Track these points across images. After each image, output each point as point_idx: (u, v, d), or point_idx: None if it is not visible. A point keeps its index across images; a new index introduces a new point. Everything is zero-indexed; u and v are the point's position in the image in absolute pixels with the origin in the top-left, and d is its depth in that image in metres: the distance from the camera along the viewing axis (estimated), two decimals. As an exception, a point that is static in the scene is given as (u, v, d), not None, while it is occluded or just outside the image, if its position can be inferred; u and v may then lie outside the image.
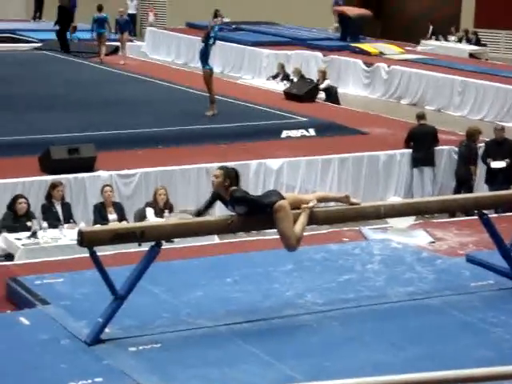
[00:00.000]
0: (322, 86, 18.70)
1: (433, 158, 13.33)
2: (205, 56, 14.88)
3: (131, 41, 22.07)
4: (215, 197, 6.43)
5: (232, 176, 6.27)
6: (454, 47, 25.98)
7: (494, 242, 7.14)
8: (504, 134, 12.84)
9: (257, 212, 6.25)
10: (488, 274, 7.42)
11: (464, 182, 12.81)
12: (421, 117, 13.70)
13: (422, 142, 13.28)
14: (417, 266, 7.64)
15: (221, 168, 6.37)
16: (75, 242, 6.04)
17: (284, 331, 6.24)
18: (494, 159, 12.57)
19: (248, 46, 23.95)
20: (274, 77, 20.62)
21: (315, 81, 19.03)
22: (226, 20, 27.29)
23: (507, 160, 12.49)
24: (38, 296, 6.70)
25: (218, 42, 23.44)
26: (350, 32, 24.37)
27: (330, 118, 15.44)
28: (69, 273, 7.32)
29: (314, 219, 6.57)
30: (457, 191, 12.61)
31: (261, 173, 12.45)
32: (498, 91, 19.32)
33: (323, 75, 19.16)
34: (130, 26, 21.50)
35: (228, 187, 6.23)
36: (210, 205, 6.49)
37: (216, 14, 26.49)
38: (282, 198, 6.36)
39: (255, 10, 28.82)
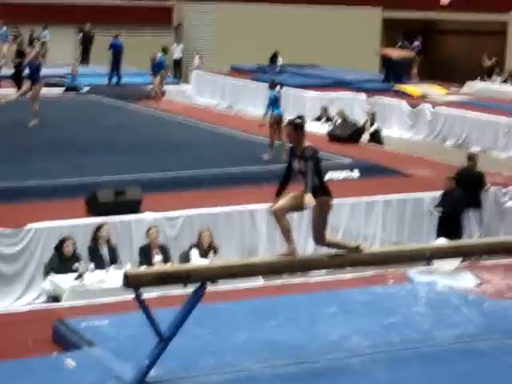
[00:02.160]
0: (370, 129, 18.73)
1: (479, 201, 13.22)
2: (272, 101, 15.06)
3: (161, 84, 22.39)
4: (289, 168, 6.53)
5: (300, 125, 6.43)
6: (499, 89, 25.87)
7: (542, 285, 7.05)
8: None
9: (317, 178, 6.32)
10: (536, 317, 7.31)
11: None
12: (469, 158, 13.62)
13: (467, 185, 13.19)
14: (463, 308, 7.55)
15: (288, 124, 6.50)
16: (121, 284, 6.09)
17: (329, 374, 6.19)
18: None
19: (292, 88, 24.11)
20: (318, 119, 20.70)
21: (361, 123, 19.07)
22: (280, 62, 27.74)
23: None
24: (84, 338, 6.75)
25: (262, 84, 23.77)
26: (394, 74, 24.42)
27: (373, 159, 15.42)
28: (114, 315, 7.36)
29: (359, 261, 6.55)
30: None
31: (304, 214, 12.41)
32: (543, 132, 19.18)
33: (372, 118, 19.19)
34: (162, 68, 21.81)
35: (301, 138, 6.40)
36: (287, 179, 6.57)
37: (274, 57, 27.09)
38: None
39: (299, 53, 29.04)
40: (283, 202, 6.49)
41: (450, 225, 12.07)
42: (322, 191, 6.41)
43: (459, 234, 11.83)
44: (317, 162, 6.40)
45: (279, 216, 6.48)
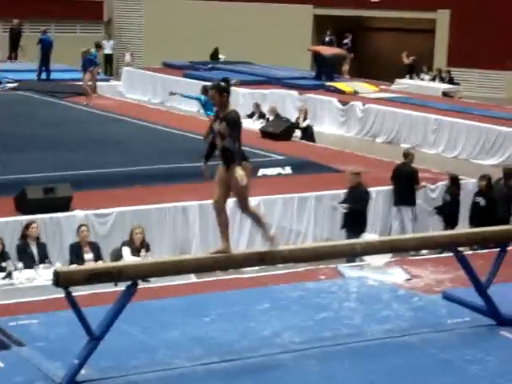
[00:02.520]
0: (303, 125, 18.86)
1: (412, 198, 13.38)
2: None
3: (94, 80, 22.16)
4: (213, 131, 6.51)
5: (224, 88, 6.39)
6: (428, 86, 26.28)
7: (470, 279, 7.18)
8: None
9: (236, 145, 6.28)
10: (464, 311, 7.45)
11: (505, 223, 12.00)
12: (405, 155, 13.79)
13: (401, 181, 13.37)
14: (393, 303, 7.65)
15: (212, 87, 6.44)
16: (51, 283, 6.00)
17: (261, 370, 6.21)
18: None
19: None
20: (250, 115, 20.73)
21: (293, 119, 19.17)
22: (222, 58, 27.76)
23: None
24: (13, 338, 6.62)
25: (193, 81, 23.75)
26: (325, 71, 24.60)
27: (306, 156, 15.52)
28: (44, 314, 7.26)
29: (290, 257, 6.58)
30: None
31: (237, 210, 12.41)
32: (471, 129, 19.55)
33: (304, 114, 19.32)
34: (94, 64, 21.56)
35: (225, 101, 6.38)
36: (212, 147, 6.53)
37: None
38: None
39: (230, 50, 29.05)
40: (218, 191, 6.46)
41: (355, 220, 11.89)
42: (239, 157, 6.35)
43: (363, 231, 11.68)
44: (238, 127, 6.36)
45: (220, 209, 6.47)
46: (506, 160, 18.84)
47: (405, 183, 13.37)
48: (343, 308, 7.48)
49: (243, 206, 6.57)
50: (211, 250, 6.53)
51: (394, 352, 6.64)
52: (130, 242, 10.38)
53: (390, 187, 13.58)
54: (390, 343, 6.78)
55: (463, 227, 12.78)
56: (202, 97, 15.31)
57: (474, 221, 12.62)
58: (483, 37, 27.86)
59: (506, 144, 18.99)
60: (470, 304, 7.45)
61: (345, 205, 12.09)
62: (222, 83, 6.43)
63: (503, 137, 19.05)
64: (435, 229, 13.06)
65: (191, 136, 16.45)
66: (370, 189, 13.36)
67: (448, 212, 13.11)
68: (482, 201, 12.69)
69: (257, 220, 6.70)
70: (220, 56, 28.22)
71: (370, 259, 9.30)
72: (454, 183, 13.33)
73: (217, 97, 6.41)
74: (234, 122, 6.36)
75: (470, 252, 9.51)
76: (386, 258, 9.28)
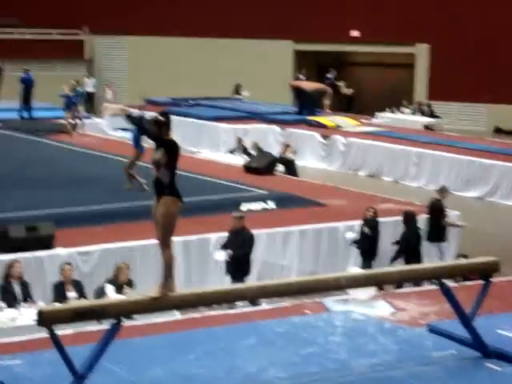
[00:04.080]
0: (289, 156, 18.88)
1: (444, 233, 13.33)
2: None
3: (78, 118, 22.23)
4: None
5: (162, 122, 6.29)
6: (409, 119, 26.47)
7: (455, 312, 7.17)
8: None
9: (169, 178, 6.22)
10: (450, 343, 7.43)
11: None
12: (440, 191, 13.64)
13: (436, 216, 13.31)
14: (379, 336, 7.62)
15: (153, 120, 6.34)
16: (34, 322, 5.94)
17: (248, 407, 6.16)
18: None
19: (206, 121, 24.17)
20: (232, 151, 20.79)
21: (275, 154, 19.23)
22: (246, 94, 28.06)
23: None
24: (-4, 379, 6.55)
25: (176, 118, 23.72)
26: (307, 106, 24.74)
27: (289, 190, 15.55)
28: (28, 354, 7.18)
29: (275, 292, 6.55)
30: None
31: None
32: (453, 162, 19.68)
33: (289, 148, 19.33)
34: (76, 102, 21.60)
35: (165, 133, 6.29)
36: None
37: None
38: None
39: (212, 86, 29.18)
40: (156, 228, 6.33)
41: (239, 266, 11.35)
42: (171, 190, 6.25)
43: (247, 275, 11.32)
44: (175, 156, 6.27)
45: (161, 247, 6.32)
46: (488, 192, 18.99)
47: (436, 219, 13.25)
48: (329, 342, 7.45)
49: (163, 241, 6.30)
50: (156, 290, 6.26)
51: (380, 386, 6.61)
52: (114, 280, 10.32)
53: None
54: (376, 377, 6.75)
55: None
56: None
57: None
58: (462, 70, 28.13)
59: (487, 176, 19.12)
60: (455, 336, 7.44)
61: (228, 252, 11.40)
62: (160, 117, 6.33)
63: (485, 169, 19.18)
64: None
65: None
66: (352, 222, 13.38)
67: (367, 246, 12.94)
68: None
69: (168, 263, 6.32)
70: (242, 92, 28.33)
71: (354, 293, 9.29)
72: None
73: (156, 130, 6.33)
74: (171, 149, 6.25)
75: (456, 284, 9.52)
76: (370, 291, 9.27)
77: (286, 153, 19.32)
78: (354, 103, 28.99)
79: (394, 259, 12.51)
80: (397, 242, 12.67)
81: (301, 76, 27.67)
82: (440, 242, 13.27)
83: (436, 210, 13.37)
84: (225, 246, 11.54)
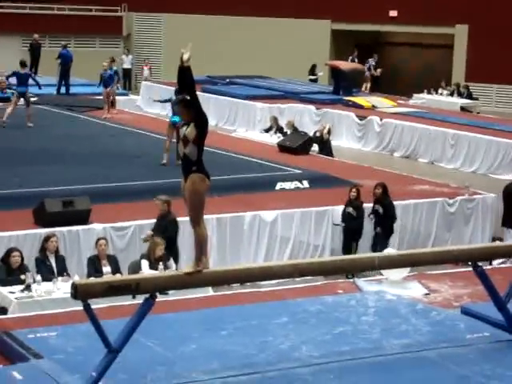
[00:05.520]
0: (326, 136, 18.80)
1: None
2: None
3: (114, 95, 22.20)
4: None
5: (188, 101, 6.21)
6: (446, 101, 26.22)
7: (489, 294, 7.14)
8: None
9: (197, 154, 6.14)
10: (483, 326, 7.40)
11: None
12: None
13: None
14: (412, 318, 7.62)
15: (177, 103, 6.22)
16: (69, 295, 6.01)
17: (279, 384, 6.19)
18: None
19: (242, 100, 24.14)
20: (268, 130, 20.75)
21: (311, 133, 19.16)
22: (321, 74, 28.03)
23: None
24: (32, 350, 6.65)
25: (212, 96, 23.89)
26: (343, 86, 24.61)
27: (323, 170, 15.51)
28: (62, 326, 7.28)
29: (308, 271, 6.56)
30: None
31: (255, 224, 12.46)
32: (489, 144, 19.48)
33: (325, 128, 19.21)
34: (114, 80, 21.66)
35: (191, 114, 6.19)
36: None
37: None
38: None
39: (249, 64, 29.13)
40: (186, 205, 6.25)
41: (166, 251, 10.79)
42: (198, 167, 6.17)
43: (177, 260, 10.90)
44: (204, 132, 6.17)
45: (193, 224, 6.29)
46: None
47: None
48: (361, 322, 7.46)
49: (194, 219, 6.24)
50: (189, 268, 6.21)
51: (412, 367, 6.60)
52: (148, 255, 10.38)
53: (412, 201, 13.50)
54: (408, 358, 6.75)
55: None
56: (174, 97, 14.99)
57: (376, 227, 12.57)
58: (501, 51, 27.79)
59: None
60: (489, 319, 7.41)
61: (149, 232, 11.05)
62: (187, 97, 6.22)
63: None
64: (454, 242, 13.00)
65: (209, 150, 16.44)
66: (394, 202, 13.20)
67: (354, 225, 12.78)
68: (380, 208, 12.59)
69: (200, 241, 6.27)
70: (317, 73, 28.29)
71: (388, 273, 9.27)
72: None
73: (185, 112, 6.25)
74: (201, 124, 6.16)
75: (489, 267, 9.47)
76: (404, 272, 9.25)
77: (321, 132, 19.25)
78: (382, 84, 28.78)
79: None
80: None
81: (352, 57, 27.66)
82: None
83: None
84: (153, 231, 11.13)
